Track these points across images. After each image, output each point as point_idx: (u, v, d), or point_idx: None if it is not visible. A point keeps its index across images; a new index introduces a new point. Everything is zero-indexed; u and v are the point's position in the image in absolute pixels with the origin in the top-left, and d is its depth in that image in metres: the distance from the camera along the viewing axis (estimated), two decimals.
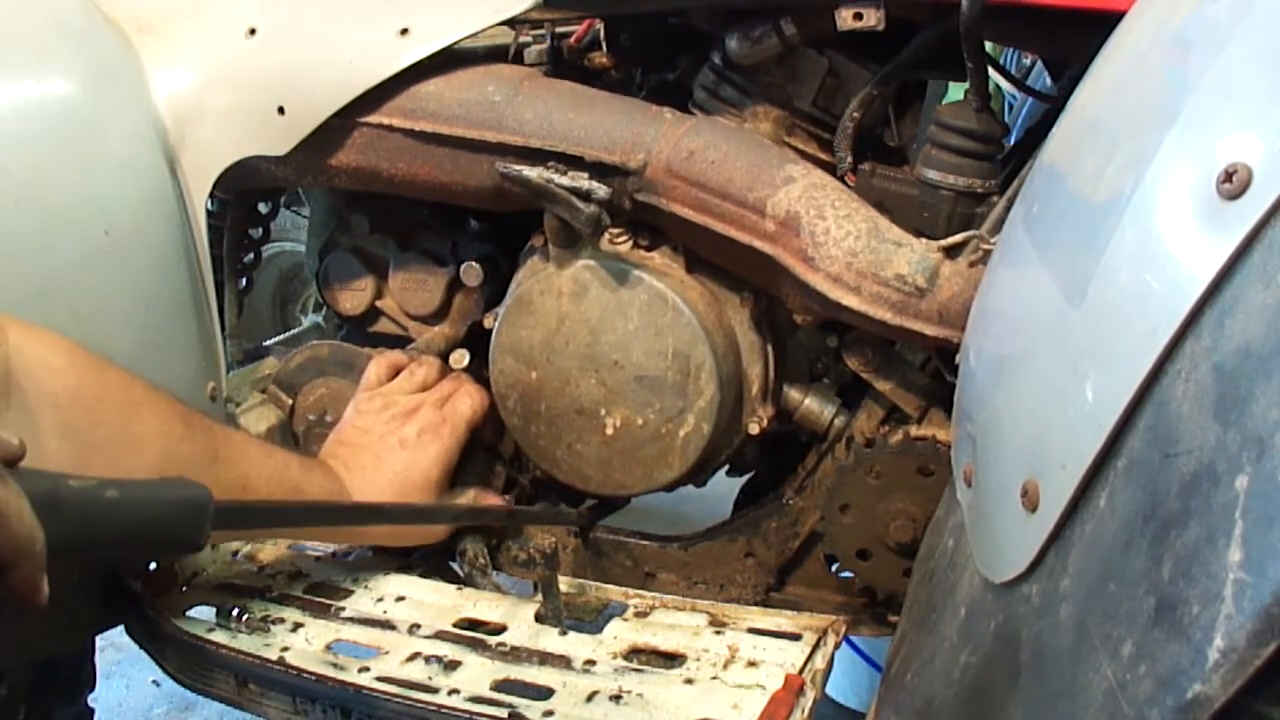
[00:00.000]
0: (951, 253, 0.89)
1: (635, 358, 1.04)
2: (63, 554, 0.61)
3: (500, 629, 1.04)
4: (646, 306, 1.02)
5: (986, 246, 0.87)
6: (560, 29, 1.14)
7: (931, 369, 1.02)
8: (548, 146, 1.00)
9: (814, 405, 1.09)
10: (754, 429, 1.08)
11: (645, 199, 1.00)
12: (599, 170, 0.99)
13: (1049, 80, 1.42)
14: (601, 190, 0.96)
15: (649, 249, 1.05)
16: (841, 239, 0.91)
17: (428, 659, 0.98)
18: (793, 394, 1.10)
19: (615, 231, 1.04)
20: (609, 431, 1.07)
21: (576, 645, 1.00)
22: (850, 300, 0.91)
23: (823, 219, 0.92)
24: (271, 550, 1.18)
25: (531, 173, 0.97)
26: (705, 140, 0.98)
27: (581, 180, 0.96)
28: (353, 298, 1.23)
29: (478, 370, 1.17)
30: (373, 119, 1.04)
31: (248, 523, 0.88)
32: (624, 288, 1.03)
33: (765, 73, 1.02)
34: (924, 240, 0.90)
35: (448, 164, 1.05)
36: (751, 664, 0.96)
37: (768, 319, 1.08)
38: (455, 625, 1.04)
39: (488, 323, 1.13)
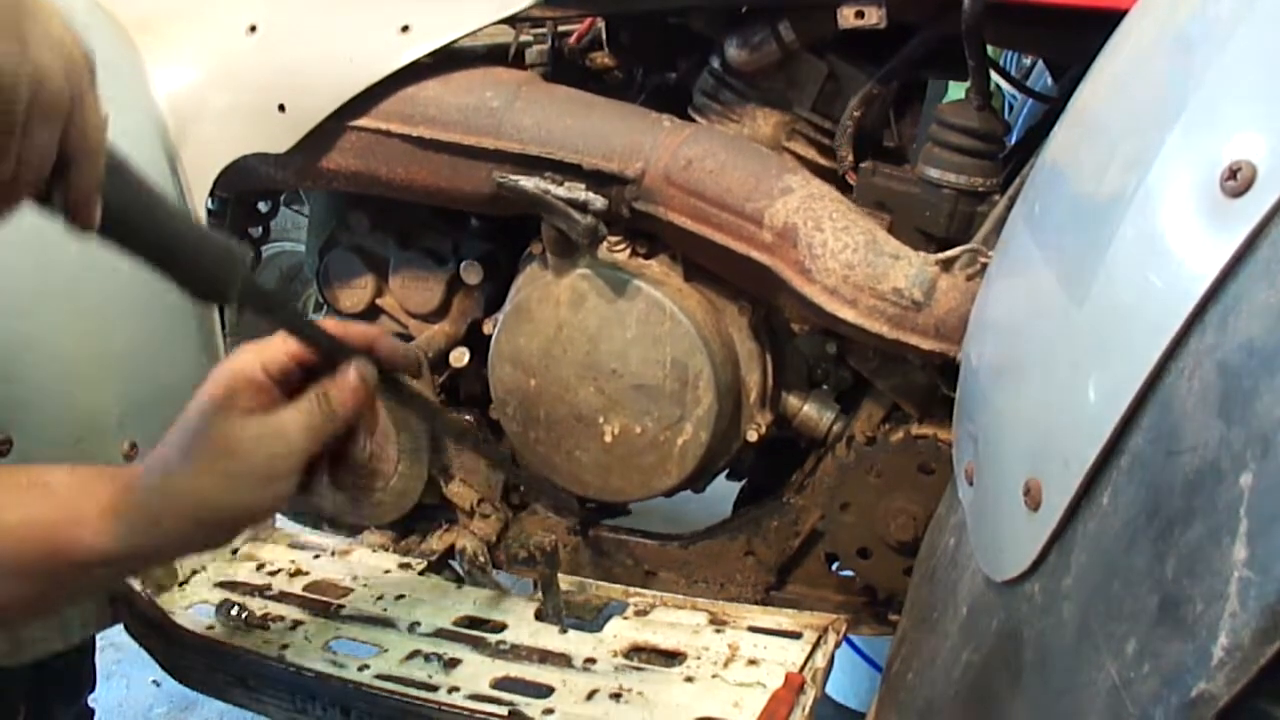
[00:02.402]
0: (948, 266, 0.89)
1: (633, 366, 1.03)
2: (109, 228, 0.60)
3: (500, 627, 1.04)
4: (644, 315, 1.02)
5: (984, 259, 0.87)
6: (561, 28, 1.14)
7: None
8: (545, 154, 1.00)
9: (812, 412, 1.09)
10: (752, 436, 1.08)
11: (643, 207, 0.99)
12: (597, 178, 0.98)
13: (1049, 80, 1.42)
14: (598, 201, 0.96)
15: (647, 257, 1.05)
16: (839, 251, 0.91)
17: (427, 657, 0.98)
18: (791, 401, 1.10)
19: (613, 240, 1.04)
20: (607, 439, 1.06)
21: (577, 643, 1.00)
22: (847, 313, 0.90)
23: (820, 231, 0.92)
24: (271, 548, 1.18)
25: (528, 183, 0.97)
26: (703, 149, 0.98)
27: (578, 191, 0.96)
28: (353, 296, 1.23)
29: (477, 369, 1.17)
30: (371, 124, 1.04)
31: (267, 310, 0.74)
32: (622, 297, 1.03)
33: (765, 78, 1.02)
34: (921, 254, 0.90)
35: (446, 169, 1.05)
36: (752, 662, 0.96)
37: (766, 326, 1.08)
38: (455, 623, 1.04)
39: (487, 329, 1.13)
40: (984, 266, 0.86)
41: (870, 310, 0.90)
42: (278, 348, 0.76)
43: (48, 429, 0.91)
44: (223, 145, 1.06)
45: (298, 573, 1.14)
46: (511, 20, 1.06)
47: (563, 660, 0.98)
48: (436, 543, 1.18)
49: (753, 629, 1.02)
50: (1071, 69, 1.15)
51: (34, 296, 0.90)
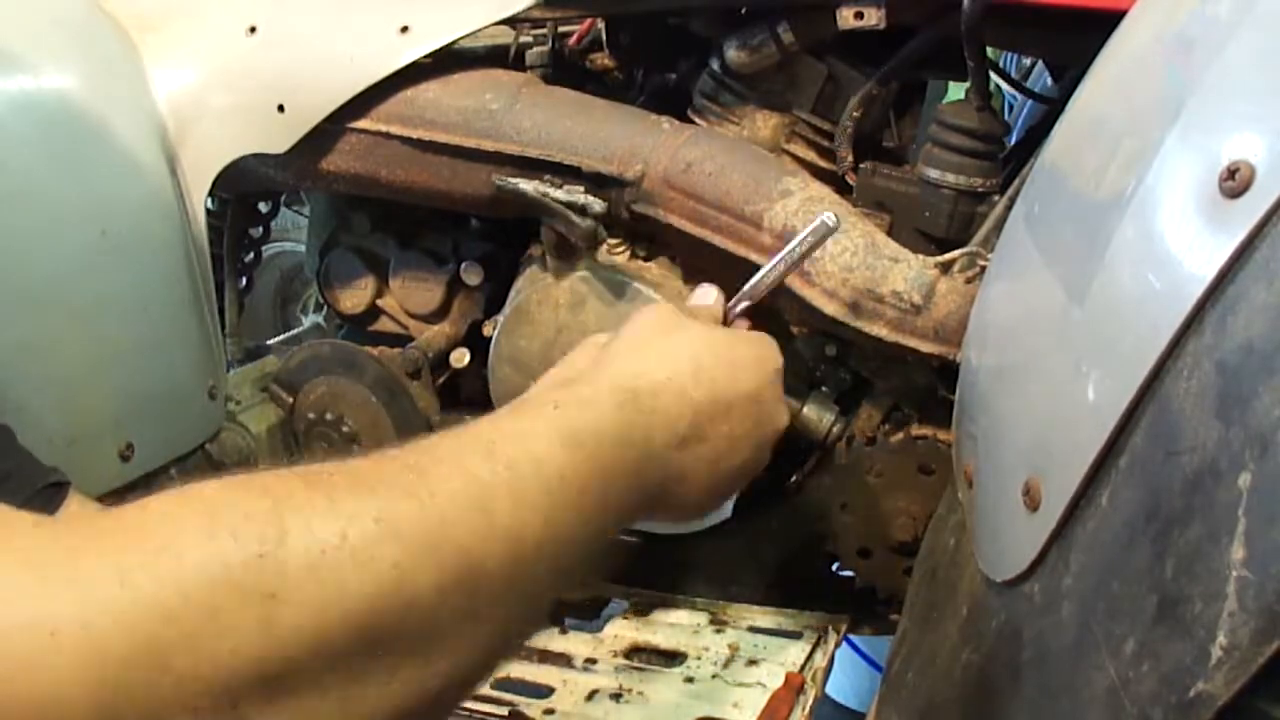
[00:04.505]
0: (947, 269, 0.89)
1: None
2: None
3: None
4: None
5: (983, 262, 0.87)
6: (561, 29, 1.14)
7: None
8: (545, 156, 1.00)
9: (812, 413, 1.09)
10: None
11: (643, 210, 1.00)
12: (596, 180, 0.98)
13: (1049, 81, 1.42)
14: (597, 205, 0.96)
15: (647, 259, 1.05)
16: (838, 254, 0.91)
17: None
18: (791, 402, 1.10)
19: (613, 242, 1.04)
20: None
21: (577, 643, 1.00)
22: (846, 316, 0.90)
23: None
24: None
25: (528, 186, 0.97)
26: (703, 152, 0.97)
27: (577, 195, 0.96)
28: (353, 296, 1.23)
29: (477, 369, 1.17)
30: (371, 125, 1.04)
31: None
32: (621, 299, 1.03)
33: (764, 80, 1.02)
34: (920, 257, 0.90)
35: (445, 172, 1.05)
36: (752, 662, 0.96)
37: (765, 328, 1.07)
38: None
39: (487, 330, 1.13)
40: (983, 269, 0.86)
41: (869, 313, 0.90)
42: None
43: (42, 429, 0.91)
44: (222, 145, 1.06)
45: None
46: (511, 21, 1.06)
47: (563, 660, 0.98)
48: None
49: (753, 629, 1.03)
50: (1071, 70, 1.15)
51: (29, 297, 0.90)
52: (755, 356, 0.65)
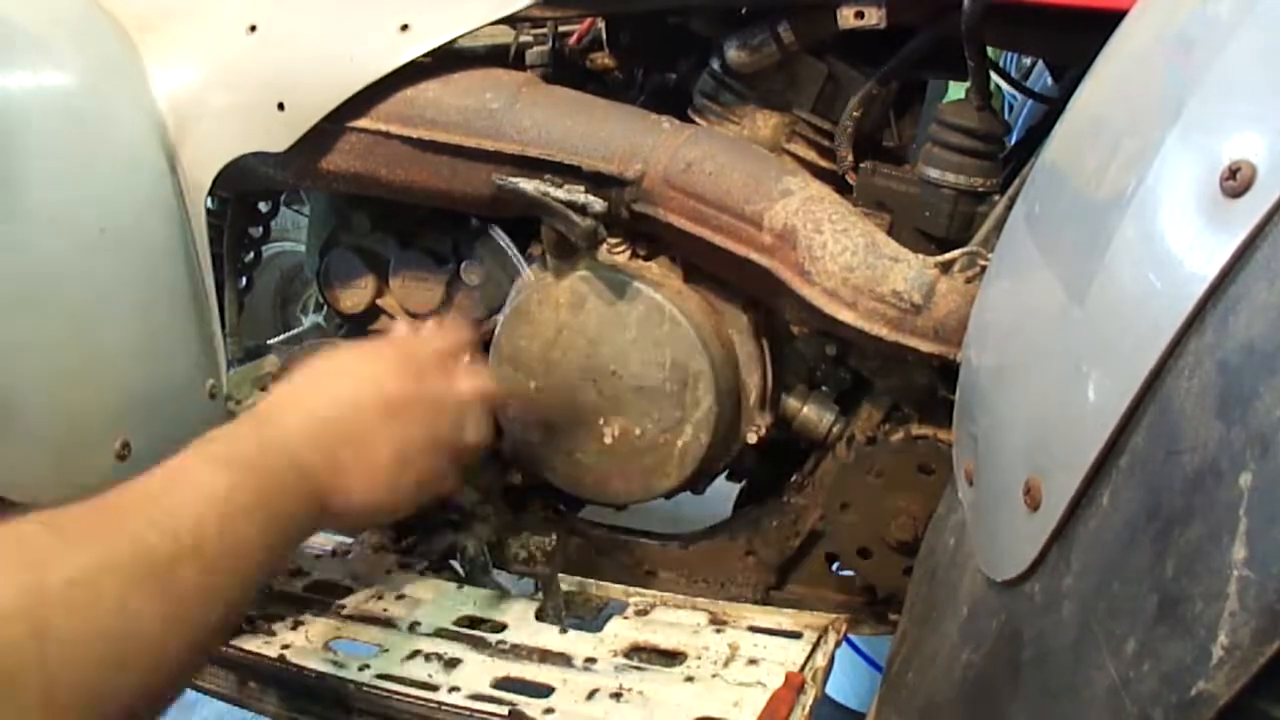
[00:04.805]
0: (947, 268, 0.89)
1: (633, 368, 1.03)
2: None
3: (501, 627, 1.04)
4: (644, 317, 1.02)
5: (983, 262, 0.87)
6: (561, 28, 1.14)
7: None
8: (545, 155, 1.00)
9: (812, 414, 1.09)
10: (752, 438, 1.08)
11: (643, 209, 0.99)
12: (596, 180, 0.98)
13: (1049, 80, 1.42)
14: (597, 204, 0.96)
15: (647, 259, 1.05)
16: (838, 254, 0.91)
17: (428, 656, 0.98)
18: (791, 402, 1.10)
19: (613, 241, 1.04)
20: (607, 441, 1.06)
21: (577, 643, 1.00)
22: (846, 315, 0.90)
23: (820, 233, 0.92)
24: None
25: (528, 185, 0.97)
26: (703, 151, 0.97)
27: (578, 194, 0.96)
28: (353, 296, 1.23)
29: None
30: (371, 125, 1.04)
31: None
32: (622, 299, 1.03)
33: (764, 79, 1.02)
34: (920, 256, 0.90)
35: (445, 171, 1.04)
36: (752, 662, 0.96)
37: (766, 328, 1.08)
38: (455, 623, 1.05)
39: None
40: (983, 269, 0.86)
41: (870, 312, 0.90)
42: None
43: (39, 427, 0.91)
44: (222, 144, 1.05)
45: (298, 572, 1.14)
46: (511, 20, 1.06)
47: (563, 660, 0.98)
48: (436, 543, 1.18)
49: (753, 629, 1.03)
50: (1071, 69, 1.15)
51: (27, 296, 0.90)
52: (370, 371, 0.80)
